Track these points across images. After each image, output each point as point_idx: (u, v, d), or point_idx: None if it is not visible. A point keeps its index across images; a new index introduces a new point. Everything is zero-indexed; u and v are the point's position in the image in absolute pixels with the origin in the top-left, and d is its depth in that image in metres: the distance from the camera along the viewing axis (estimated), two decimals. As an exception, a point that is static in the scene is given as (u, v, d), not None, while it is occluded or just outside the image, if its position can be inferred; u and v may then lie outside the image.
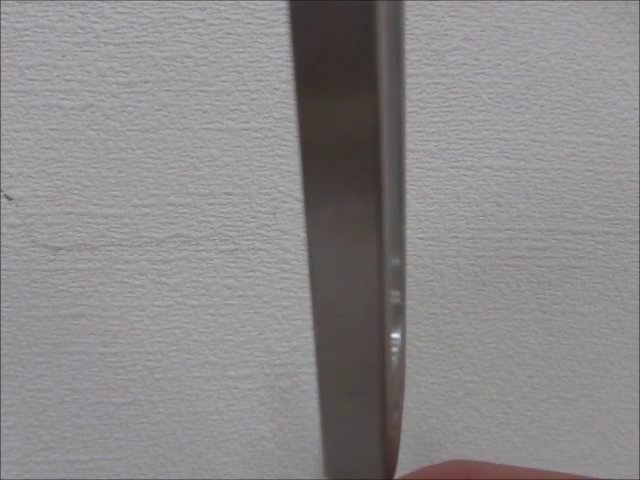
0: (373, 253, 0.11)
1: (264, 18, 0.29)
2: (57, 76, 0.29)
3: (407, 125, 0.30)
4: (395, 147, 0.14)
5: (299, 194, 0.30)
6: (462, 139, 0.30)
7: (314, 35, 0.10)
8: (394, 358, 0.15)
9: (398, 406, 0.15)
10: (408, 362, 0.31)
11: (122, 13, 0.29)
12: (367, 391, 0.13)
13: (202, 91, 0.29)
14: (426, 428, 0.32)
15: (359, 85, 0.10)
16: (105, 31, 0.29)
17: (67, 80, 0.29)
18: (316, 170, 0.11)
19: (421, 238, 0.31)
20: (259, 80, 0.29)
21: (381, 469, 0.14)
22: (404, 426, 0.32)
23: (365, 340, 0.12)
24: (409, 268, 0.31)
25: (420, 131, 0.30)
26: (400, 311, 0.16)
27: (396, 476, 0.17)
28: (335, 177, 0.11)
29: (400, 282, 0.16)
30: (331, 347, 0.13)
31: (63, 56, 0.29)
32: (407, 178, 0.30)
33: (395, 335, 0.16)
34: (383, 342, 0.12)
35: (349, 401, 0.13)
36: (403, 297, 0.16)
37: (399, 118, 0.14)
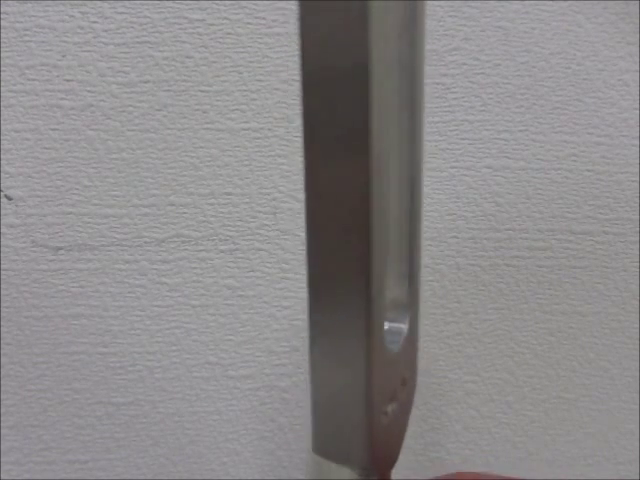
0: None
1: (264, 18, 0.29)
2: (57, 76, 0.29)
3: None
4: (407, 219, 0.15)
5: (299, 194, 0.30)
6: (462, 139, 0.30)
7: (321, 109, 0.12)
8: (393, 346, 0.15)
9: (395, 398, 0.15)
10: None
11: (122, 13, 0.29)
12: (353, 365, 0.13)
13: (202, 91, 0.29)
14: (426, 428, 0.32)
15: (353, 161, 0.12)
16: (105, 31, 0.29)
17: (67, 80, 0.29)
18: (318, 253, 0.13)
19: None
20: (259, 80, 0.29)
21: (366, 455, 0.14)
22: (404, 426, 0.32)
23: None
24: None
25: (420, 131, 0.30)
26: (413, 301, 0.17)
27: (397, 476, 0.17)
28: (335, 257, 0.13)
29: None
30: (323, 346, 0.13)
31: (63, 56, 0.29)
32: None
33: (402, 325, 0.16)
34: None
35: (338, 372, 0.14)
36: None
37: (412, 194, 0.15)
